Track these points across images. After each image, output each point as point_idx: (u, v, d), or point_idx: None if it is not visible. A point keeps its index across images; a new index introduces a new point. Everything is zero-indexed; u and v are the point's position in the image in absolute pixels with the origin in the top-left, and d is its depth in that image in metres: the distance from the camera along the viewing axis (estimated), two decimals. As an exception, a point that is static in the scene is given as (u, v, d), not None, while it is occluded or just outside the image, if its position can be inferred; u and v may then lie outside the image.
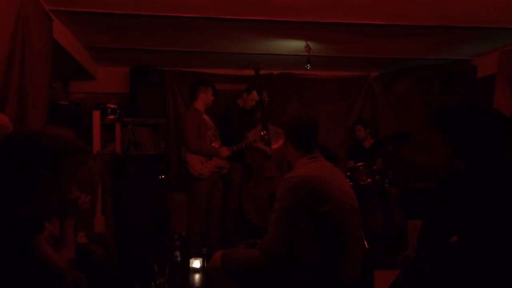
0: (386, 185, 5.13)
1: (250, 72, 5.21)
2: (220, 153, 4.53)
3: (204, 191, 4.49)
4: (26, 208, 1.69)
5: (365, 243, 4.14)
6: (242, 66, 5.47)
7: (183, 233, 4.78)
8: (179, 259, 4.37)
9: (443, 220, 1.94)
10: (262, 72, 5.20)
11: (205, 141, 4.50)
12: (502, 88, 4.70)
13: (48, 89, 3.37)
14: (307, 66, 4.65)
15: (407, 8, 3.52)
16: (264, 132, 4.74)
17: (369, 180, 5.00)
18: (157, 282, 3.48)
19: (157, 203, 5.09)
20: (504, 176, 1.95)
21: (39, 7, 3.16)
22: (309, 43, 4.42)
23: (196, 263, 4.12)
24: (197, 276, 4.03)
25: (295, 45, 4.55)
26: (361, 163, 5.08)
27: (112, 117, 5.13)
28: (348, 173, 5.06)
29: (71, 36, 4.20)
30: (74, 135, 2.79)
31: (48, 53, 3.29)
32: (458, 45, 4.82)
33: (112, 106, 5.15)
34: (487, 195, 1.89)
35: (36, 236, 1.72)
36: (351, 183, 4.67)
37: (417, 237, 2.05)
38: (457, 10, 3.60)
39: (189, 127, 4.44)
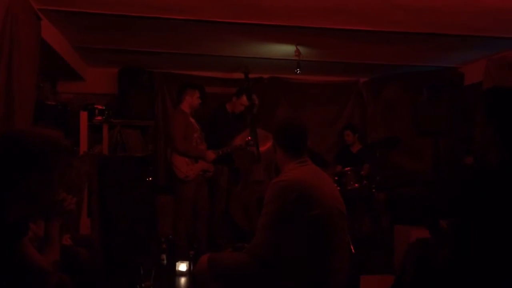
0: (374, 190, 5.15)
1: (240, 75, 5.21)
2: (206, 156, 4.52)
3: (190, 193, 4.47)
4: (14, 210, 1.66)
5: (352, 247, 4.15)
6: (232, 69, 5.47)
7: (170, 236, 4.75)
8: (165, 262, 4.33)
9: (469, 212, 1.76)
10: (252, 75, 5.20)
11: (191, 143, 4.49)
12: (488, 96, 4.75)
13: (36, 89, 3.34)
14: (297, 71, 4.66)
15: (396, 15, 3.56)
16: (249, 138, 4.72)
17: (356, 185, 5.02)
18: (143, 285, 3.44)
19: (144, 205, 5.05)
20: None
21: (27, 6, 3.13)
22: (299, 47, 4.43)
23: (182, 266, 4.09)
24: (183, 280, 4.00)
25: (285, 49, 4.57)
26: (349, 168, 5.10)
27: (100, 118, 5.10)
28: (336, 178, 5.07)
29: (59, 36, 4.16)
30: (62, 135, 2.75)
31: (36, 52, 3.25)
32: (446, 53, 4.88)
33: (100, 107, 5.12)
34: None
35: (21, 238, 1.70)
36: (338, 188, 4.69)
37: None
38: (445, 18, 3.65)
39: (177, 128, 4.43)
